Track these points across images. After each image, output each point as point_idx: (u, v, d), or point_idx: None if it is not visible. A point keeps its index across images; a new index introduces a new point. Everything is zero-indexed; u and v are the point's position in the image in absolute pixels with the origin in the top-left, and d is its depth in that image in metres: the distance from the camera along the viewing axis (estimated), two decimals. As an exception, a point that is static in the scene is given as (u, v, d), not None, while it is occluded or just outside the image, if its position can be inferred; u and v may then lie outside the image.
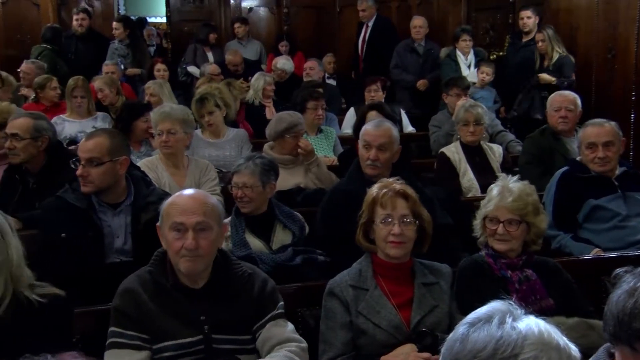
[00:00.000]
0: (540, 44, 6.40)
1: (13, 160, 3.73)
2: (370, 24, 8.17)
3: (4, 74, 6.30)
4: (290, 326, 2.49)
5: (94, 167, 3.00)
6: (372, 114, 4.57)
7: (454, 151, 4.78)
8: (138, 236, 3.05)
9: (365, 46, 8.20)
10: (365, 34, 8.21)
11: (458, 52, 7.26)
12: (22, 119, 3.75)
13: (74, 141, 5.27)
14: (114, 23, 8.27)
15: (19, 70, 6.94)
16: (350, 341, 2.55)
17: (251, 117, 6.30)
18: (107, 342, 2.33)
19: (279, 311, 2.48)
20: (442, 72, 7.23)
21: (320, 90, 5.81)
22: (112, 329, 2.34)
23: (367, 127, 3.56)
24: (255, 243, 3.29)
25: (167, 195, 3.01)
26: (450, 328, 2.29)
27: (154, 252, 2.49)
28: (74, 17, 8.02)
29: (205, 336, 2.35)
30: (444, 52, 7.54)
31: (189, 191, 2.50)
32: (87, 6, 8.93)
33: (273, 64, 7.70)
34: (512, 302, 1.24)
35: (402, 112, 6.36)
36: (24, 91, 6.59)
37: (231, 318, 2.39)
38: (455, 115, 4.97)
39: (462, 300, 2.66)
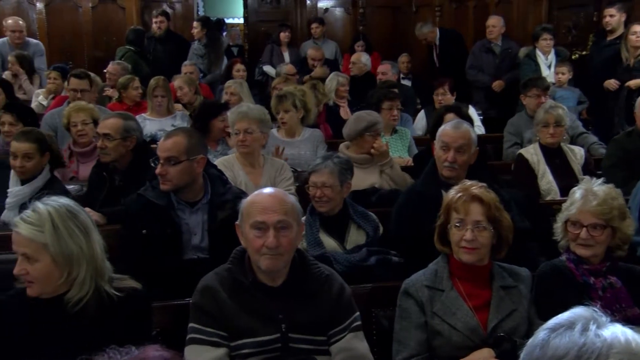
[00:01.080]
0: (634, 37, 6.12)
1: (104, 159, 3.86)
2: (437, 42, 8.26)
3: (91, 74, 6.55)
4: (366, 343, 2.50)
5: (172, 166, 3.08)
6: (450, 116, 4.51)
7: (532, 153, 4.66)
8: (214, 234, 3.11)
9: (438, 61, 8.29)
10: (435, 52, 8.33)
11: (538, 52, 7.06)
12: (113, 120, 3.87)
13: (154, 139, 5.43)
14: (194, 23, 8.50)
15: (105, 71, 7.22)
16: (425, 342, 2.53)
17: (327, 117, 6.33)
18: (187, 337, 2.38)
19: (358, 323, 2.49)
20: (521, 72, 7.05)
21: (396, 90, 5.78)
22: (191, 325, 2.39)
23: (445, 128, 3.51)
24: (329, 242, 3.30)
25: (243, 194, 3.07)
26: (528, 333, 2.24)
27: (229, 250, 2.53)
28: (153, 19, 8.28)
29: (282, 335, 2.37)
30: (522, 51, 7.35)
31: (268, 190, 2.52)
32: (167, 9, 9.20)
33: (355, 58, 7.71)
34: (595, 309, 1.19)
35: (474, 112, 6.24)
36: (108, 91, 6.83)
37: (308, 318, 2.41)
38: (535, 117, 4.85)
39: (541, 306, 2.59)
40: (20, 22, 7.71)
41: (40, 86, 7.05)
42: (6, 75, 6.88)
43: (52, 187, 3.79)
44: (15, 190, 3.82)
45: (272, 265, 2.37)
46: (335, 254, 3.20)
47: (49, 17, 9.31)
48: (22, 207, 3.23)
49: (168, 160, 3.08)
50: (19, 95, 6.47)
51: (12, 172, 3.91)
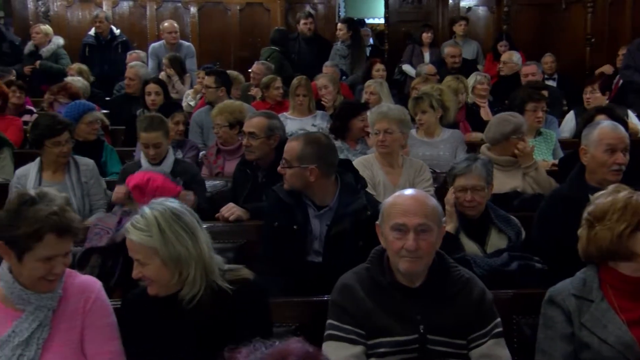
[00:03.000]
0: None
1: (249, 157, 4.00)
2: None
3: (234, 73, 6.85)
4: (507, 351, 2.44)
5: (287, 168, 3.15)
6: (601, 117, 4.26)
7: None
8: (329, 242, 3.11)
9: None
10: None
11: None
12: (258, 119, 4.01)
13: (295, 138, 5.58)
14: (339, 24, 8.64)
15: (250, 70, 7.51)
16: (571, 354, 2.42)
17: (468, 117, 6.20)
18: (325, 333, 2.42)
19: (500, 329, 2.43)
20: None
21: (543, 92, 5.55)
22: (329, 321, 2.43)
23: (605, 130, 3.31)
24: (469, 245, 3.22)
25: (371, 205, 3.05)
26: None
27: (342, 261, 2.58)
28: (302, 21, 8.49)
29: (420, 336, 2.36)
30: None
31: (410, 191, 2.51)
32: (310, 10, 9.42)
33: (506, 57, 7.55)
34: None
35: (633, 116, 5.86)
36: (253, 91, 7.10)
37: (447, 320, 2.38)
38: None
39: None
40: (175, 24, 8.25)
41: (191, 86, 7.46)
42: (162, 75, 7.35)
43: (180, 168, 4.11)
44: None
45: (411, 267, 2.36)
46: (476, 257, 3.12)
47: (201, 20, 9.85)
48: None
49: (286, 161, 3.16)
50: (173, 94, 6.88)
51: (141, 159, 4.20)
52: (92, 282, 2.39)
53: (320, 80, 6.65)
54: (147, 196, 3.36)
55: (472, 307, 2.41)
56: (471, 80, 6.54)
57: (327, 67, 7.52)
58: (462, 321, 2.40)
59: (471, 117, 6.16)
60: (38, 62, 7.95)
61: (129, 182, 3.66)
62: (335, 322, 2.41)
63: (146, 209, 2.29)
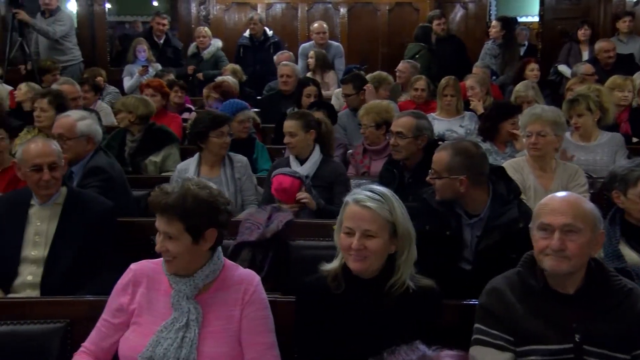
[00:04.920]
0: None
1: (396, 156, 4.00)
2: None
3: (383, 74, 6.87)
4: None
5: (437, 179, 3.10)
6: None
7: None
8: (479, 253, 3.03)
9: None
10: None
11: None
12: (405, 118, 4.00)
13: (441, 139, 5.51)
14: (493, 22, 8.47)
15: (396, 70, 7.51)
16: None
17: (632, 119, 5.79)
18: (472, 338, 2.38)
19: None
20: None
21: None
22: (477, 325, 2.38)
23: None
24: (631, 256, 3.00)
25: (522, 217, 2.92)
26: None
27: (493, 273, 2.48)
28: (435, 21, 8.49)
29: (575, 345, 2.25)
30: None
31: (562, 194, 2.43)
32: (460, 8, 9.28)
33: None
34: None
35: None
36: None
37: (607, 332, 2.25)
38: None
39: None
40: (324, 25, 8.44)
41: (338, 85, 7.58)
42: (310, 74, 7.56)
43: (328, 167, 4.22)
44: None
45: (554, 266, 2.26)
46: (639, 270, 2.92)
47: (350, 21, 10.00)
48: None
49: (434, 172, 3.11)
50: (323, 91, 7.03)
51: (290, 157, 4.33)
52: (252, 275, 2.50)
53: (468, 81, 6.54)
54: (288, 196, 3.85)
55: (636, 320, 2.26)
56: (636, 81, 6.09)
57: (477, 68, 7.37)
58: (625, 334, 2.25)
59: (633, 120, 5.75)
60: (201, 74, 8.44)
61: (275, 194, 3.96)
62: (483, 327, 2.36)
63: (378, 187, 2.41)
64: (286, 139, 4.29)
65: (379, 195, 2.36)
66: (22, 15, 7.81)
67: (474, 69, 7.33)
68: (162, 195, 2.32)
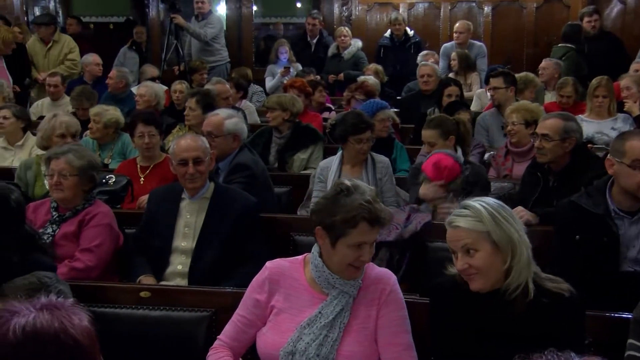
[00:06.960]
0: None
1: (540, 159, 3.85)
2: None
3: (530, 75, 6.60)
4: None
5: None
6: None
7: None
8: None
9: None
10: None
11: None
12: (553, 120, 3.83)
13: (590, 142, 5.23)
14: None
15: (538, 68, 7.22)
16: None
17: None
18: (626, 354, 2.25)
19: None
20: None
21: None
22: (630, 341, 2.25)
23: None
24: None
25: None
26: None
27: None
28: (585, 19, 8.07)
29: None
30: None
31: None
32: (617, 3, 8.76)
33: None
34: None
35: None
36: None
37: None
38: None
39: None
40: (466, 24, 8.29)
41: (481, 85, 7.40)
42: (452, 74, 7.44)
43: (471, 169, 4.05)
44: None
45: None
46: None
47: (494, 19, 9.72)
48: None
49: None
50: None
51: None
52: (389, 275, 2.50)
53: (624, 81, 6.12)
54: (443, 174, 3.77)
55: None
56: None
57: (637, 64, 6.87)
58: None
59: None
60: (341, 74, 8.52)
61: (425, 166, 3.87)
62: (637, 343, 2.23)
63: (469, 202, 2.34)
64: (427, 149, 4.25)
65: (466, 209, 2.29)
66: (179, 19, 8.33)
67: (633, 66, 6.84)
68: None
